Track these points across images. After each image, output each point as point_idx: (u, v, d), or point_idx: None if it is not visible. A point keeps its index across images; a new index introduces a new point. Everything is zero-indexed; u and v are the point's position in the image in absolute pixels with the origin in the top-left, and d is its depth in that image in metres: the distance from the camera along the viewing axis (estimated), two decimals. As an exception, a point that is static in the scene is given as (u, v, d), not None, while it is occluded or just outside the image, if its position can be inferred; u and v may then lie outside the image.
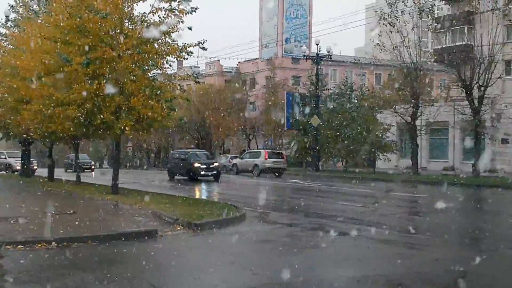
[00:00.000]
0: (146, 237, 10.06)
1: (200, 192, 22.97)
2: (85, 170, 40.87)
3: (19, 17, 25.57)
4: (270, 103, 51.28)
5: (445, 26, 33.71)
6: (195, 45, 16.79)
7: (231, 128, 53.12)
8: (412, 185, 25.78)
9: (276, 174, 35.28)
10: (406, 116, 32.72)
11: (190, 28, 16.36)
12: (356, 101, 41.04)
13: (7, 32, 26.45)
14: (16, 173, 35.60)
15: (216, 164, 29.98)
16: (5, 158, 39.97)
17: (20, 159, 33.38)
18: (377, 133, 36.60)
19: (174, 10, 16.28)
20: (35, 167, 37.23)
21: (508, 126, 32.79)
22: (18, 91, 20.03)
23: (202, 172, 28.62)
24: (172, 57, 17.15)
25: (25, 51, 19.61)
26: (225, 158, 44.33)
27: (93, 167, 47.20)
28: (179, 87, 18.61)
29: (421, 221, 13.83)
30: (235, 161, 39.90)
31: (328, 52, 39.61)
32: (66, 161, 46.93)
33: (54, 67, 17.00)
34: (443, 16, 34.65)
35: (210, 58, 55.84)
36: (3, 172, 37.32)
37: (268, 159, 35.62)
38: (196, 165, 28.74)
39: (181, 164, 30.34)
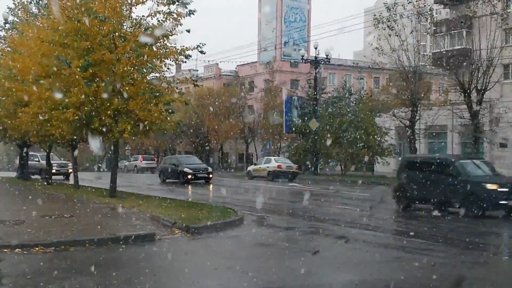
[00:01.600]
0: (144, 241, 10.05)
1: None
2: (194, 180, 28.48)
3: (18, 20, 25.52)
4: (269, 106, 51.25)
5: (443, 30, 33.72)
6: (194, 49, 16.79)
7: (229, 132, 53.05)
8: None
9: (151, 172, 47.36)
10: (405, 120, 32.68)
11: (188, 31, 16.40)
12: (354, 104, 41.01)
13: (5, 34, 26.41)
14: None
15: None
16: (38, 161, 33.77)
17: (56, 162, 30.29)
18: (375, 136, 36.61)
19: (172, 14, 16.29)
20: (70, 170, 31.14)
21: (506, 130, 32.77)
22: (16, 93, 20.00)
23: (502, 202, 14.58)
24: (170, 60, 17.16)
25: (23, 54, 19.57)
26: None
27: (211, 175, 29.91)
28: (177, 90, 18.59)
29: (419, 226, 13.81)
30: (125, 163, 55.08)
31: (327, 55, 39.57)
32: (164, 166, 32.30)
33: (52, 70, 16.98)
34: (441, 20, 34.67)
35: (208, 61, 55.98)
36: (37, 176, 32.28)
37: (143, 161, 52.67)
38: (491, 187, 14.85)
39: (444, 184, 15.66)
